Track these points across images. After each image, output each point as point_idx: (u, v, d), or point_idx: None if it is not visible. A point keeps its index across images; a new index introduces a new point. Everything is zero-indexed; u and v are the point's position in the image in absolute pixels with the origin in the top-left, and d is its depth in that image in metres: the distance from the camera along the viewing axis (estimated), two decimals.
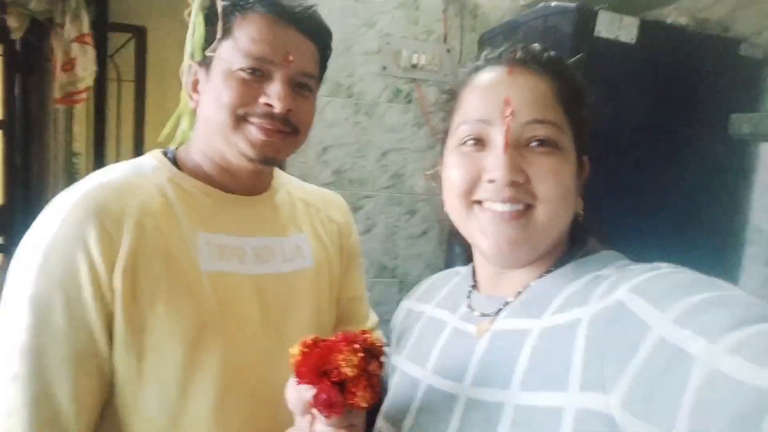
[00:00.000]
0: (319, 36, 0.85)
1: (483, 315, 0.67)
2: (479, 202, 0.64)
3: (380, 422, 0.72)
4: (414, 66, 2.18)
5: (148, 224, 0.76)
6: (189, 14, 0.84)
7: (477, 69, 0.68)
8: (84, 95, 2.33)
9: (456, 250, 2.01)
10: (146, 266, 0.75)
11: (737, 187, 1.65)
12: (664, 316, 0.47)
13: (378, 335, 1.06)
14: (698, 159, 1.59)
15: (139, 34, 3.32)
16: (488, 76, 0.65)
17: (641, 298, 0.50)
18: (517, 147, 0.61)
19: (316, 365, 0.58)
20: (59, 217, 0.74)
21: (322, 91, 2.11)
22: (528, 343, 0.59)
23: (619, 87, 1.40)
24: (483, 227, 0.63)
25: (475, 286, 0.73)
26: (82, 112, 3.19)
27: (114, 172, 0.81)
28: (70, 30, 2.18)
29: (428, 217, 2.33)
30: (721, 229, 1.67)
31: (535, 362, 0.57)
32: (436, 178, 0.72)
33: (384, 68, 2.17)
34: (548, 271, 0.65)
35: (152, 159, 0.86)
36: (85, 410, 0.73)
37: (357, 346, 0.58)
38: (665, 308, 0.47)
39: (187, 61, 0.86)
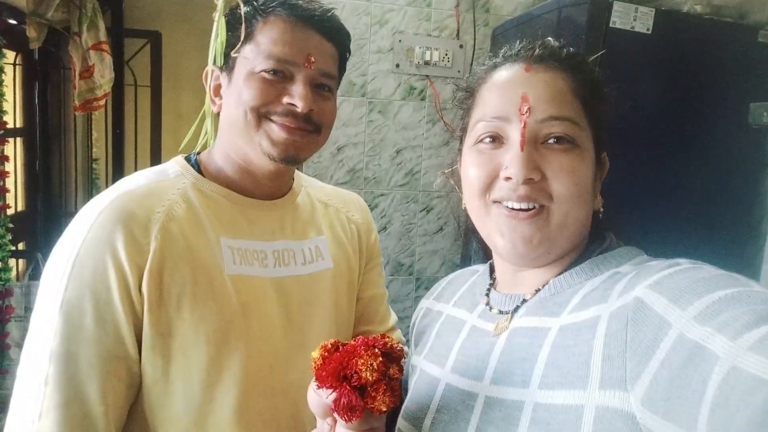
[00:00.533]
0: (338, 38, 0.87)
1: (501, 313, 0.67)
2: (497, 202, 0.63)
3: (400, 422, 0.72)
4: (427, 63, 2.17)
5: (173, 230, 0.78)
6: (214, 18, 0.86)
7: (495, 66, 0.68)
8: (102, 101, 2.36)
9: (473, 245, 2.01)
10: (172, 271, 0.76)
11: (755, 176, 1.63)
12: (684, 314, 0.46)
13: (398, 335, 1.06)
14: (716, 149, 1.57)
15: (154, 39, 3.36)
16: (505, 73, 0.65)
17: (661, 295, 0.50)
18: (534, 144, 0.61)
19: (335, 369, 0.58)
20: (88, 225, 0.76)
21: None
22: (547, 341, 0.59)
23: (635, 78, 1.39)
24: (500, 226, 0.63)
25: (493, 284, 0.73)
26: (100, 117, 3.24)
27: (139, 179, 0.83)
28: (87, 38, 2.21)
29: (444, 214, 2.33)
30: (740, 219, 1.65)
31: (554, 360, 0.57)
32: (455, 176, 0.72)
33: (397, 66, 2.17)
34: (567, 269, 0.64)
35: (175, 165, 0.87)
36: (114, 411, 0.74)
37: (377, 350, 0.58)
38: (685, 305, 0.47)
39: (210, 66, 0.87)
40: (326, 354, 0.60)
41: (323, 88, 0.84)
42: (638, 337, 0.49)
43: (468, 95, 0.71)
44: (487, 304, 0.70)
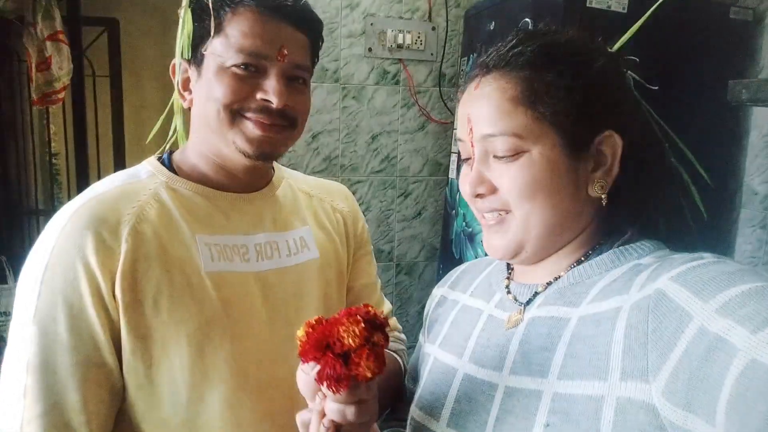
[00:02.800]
0: (311, 27, 0.84)
1: (518, 302, 0.67)
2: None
3: (414, 411, 0.72)
4: (399, 46, 2.14)
5: (145, 231, 0.77)
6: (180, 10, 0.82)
7: (463, 84, 0.71)
8: (62, 94, 2.26)
9: (453, 229, 2.01)
10: (146, 273, 0.75)
11: (730, 150, 1.67)
12: (705, 306, 0.47)
13: (393, 322, 1.06)
14: (691, 124, 1.59)
15: (111, 27, 3.22)
16: (463, 95, 0.68)
17: (683, 287, 0.50)
18: (484, 160, 0.64)
19: (318, 341, 0.58)
20: (57, 231, 0.75)
21: None
22: (566, 331, 0.59)
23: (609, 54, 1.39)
24: (483, 233, 0.69)
25: (510, 275, 0.73)
26: (57, 111, 3.10)
27: (110, 182, 0.82)
28: (42, 28, 2.10)
29: (421, 198, 2.32)
30: (716, 192, 1.69)
31: (573, 350, 0.57)
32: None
33: (369, 50, 2.13)
34: (583, 259, 0.65)
35: (147, 166, 0.86)
36: (97, 419, 0.74)
37: (358, 317, 0.58)
38: (707, 298, 0.47)
39: (177, 59, 0.84)
40: (310, 330, 0.59)
41: (297, 80, 0.82)
42: (660, 328, 0.49)
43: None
44: (506, 293, 0.70)
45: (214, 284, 0.79)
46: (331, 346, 0.57)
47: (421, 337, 0.86)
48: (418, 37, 2.16)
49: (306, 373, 0.62)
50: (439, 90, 2.23)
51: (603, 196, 0.63)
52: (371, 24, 2.12)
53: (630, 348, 0.52)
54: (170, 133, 0.92)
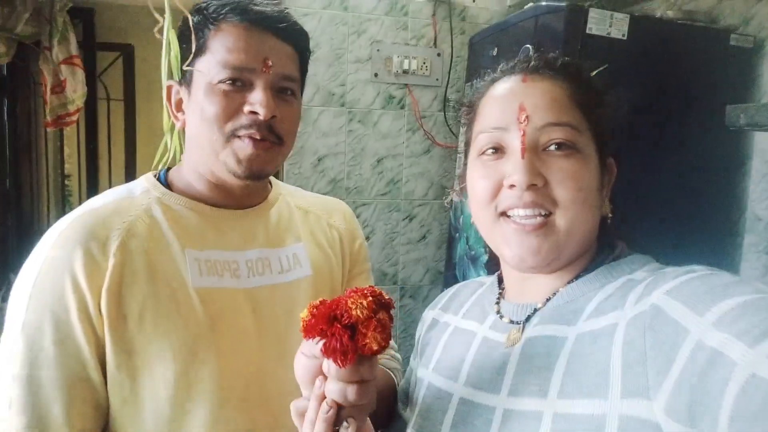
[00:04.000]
0: (295, 38, 0.84)
1: (513, 323, 0.66)
2: (504, 214, 0.64)
3: None
4: (405, 71, 2.18)
5: (133, 246, 0.77)
6: (159, 31, 0.83)
7: (494, 80, 0.69)
8: (75, 117, 2.31)
9: (457, 253, 2.01)
10: (131, 288, 0.76)
11: (733, 176, 1.67)
12: (702, 320, 0.46)
13: (391, 342, 1.05)
14: (694, 150, 1.59)
15: (127, 52, 3.31)
16: (503, 85, 0.67)
17: (678, 301, 0.50)
18: (535, 151, 0.62)
19: (325, 314, 0.57)
20: (49, 245, 0.76)
21: (315, 101, 2.12)
22: (564, 350, 0.58)
23: (612, 83, 1.41)
24: (507, 238, 0.63)
25: (502, 295, 0.73)
26: (72, 133, 3.17)
27: (104, 197, 0.83)
28: (58, 52, 2.17)
29: (426, 222, 2.33)
30: (720, 219, 1.68)
31: (572, 369, 0.56)
32: (464, 191, 0.72)
33: (375, 75, 2.17)
34: (578, 276, 0.64)
35: (143, 182, 0.87)
36: None
37: (366, 293, 0.58)
38: (703, 312, 0.47)
39: (166, 81, 0.85)
40: (315, 307, 0.59)
41: (285, 91, 0.82)
42: (657, 344, 0.49)
43: (470, 110, 0.73)
44: (499, 314, 0.69)
45: (201, 300, 0.79)
46: (339, 318, 0.57)
47: (412, 361, 0.85)
48: (424, 63, 2.19)
49: (306, 356, 0.61)
50: (444, 114, 2.26)
51: (610, 214, 0.64)
52: (377, 50, 2.16)
53: (629, 365, 0.51)
54: (158, 151, 0.92)
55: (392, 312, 0.60)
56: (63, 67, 2.21)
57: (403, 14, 2.17)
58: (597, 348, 0.55)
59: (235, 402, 0.80)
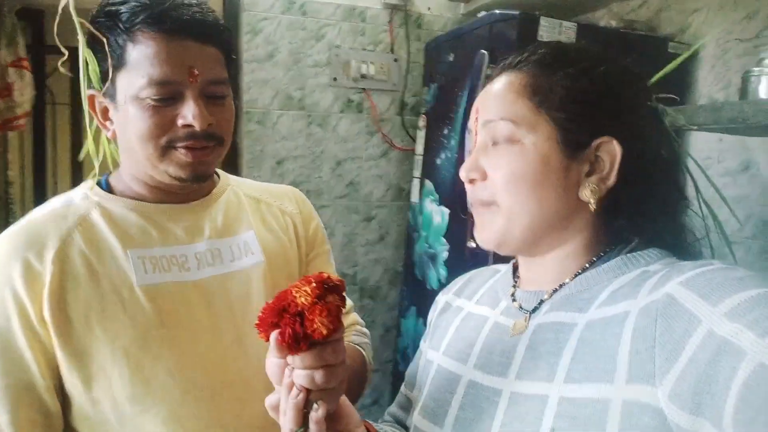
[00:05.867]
0: (218, 38, 0.81)
1: (524, 309, 0.68)
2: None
3: (417, 419, 0.72)
4: (363, 76, 2.22)
5: (72, 252, 0.78)
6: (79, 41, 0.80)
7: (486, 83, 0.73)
8: (23, 121, 2.24)
9: (415, 252, 2.06)
10: (74, 291, 0.77)
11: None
12: (714, 310, 0.47)
13: (353, 317, 1.06)
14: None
15: (75, 56, 3.22)
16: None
17: (692, 291, 0.50)
18: (484, 148, 0.66)
19: (274, 307, 0.59)
20: None
21: (275, 105, 2.13)
22: (573, 335, 0.59)
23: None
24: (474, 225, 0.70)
25: (516, 284, 0.73)
26: (15, 138, 3.05)
27: (44, 207, 0.84)
28: (5, 55, 2.10)
29: (385, 223, 2.37)
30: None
31: (580, 354, 0.57)
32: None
33: (334, 79, 2.20)
34: (588, 266, 0.64)
35: (83, 188, 0.87)
36: None
37: (310, 279, 0.59)
38: (716, 302, 0.47)
39: (88, 91, 0.81)
40: (265, 306, 0.61)
41: (216, 95, 0.81)
42: (667, 332, 0.49)
43: None
44: (512, 300, 0.70)
45: (148, 296, 0.80)
46: (287, 308, 0.58)
47: (422, 344, 0.85)
48: (381, 68, 2.24)
49: (270, 353, 0.61)
50: (401, 118, 2.31)
51: (591, 201, 0.62)
52: (336, 55, 2.19)
53: (637, 351, 0.51)
54: (82, 153, 0.88)
55: (344, 293, 0.61)
56: (10, 69, 2.14)
57: (360, 20, 2.22)
58: (607, 334, 0.55)
59: (196, 393, 0.81)
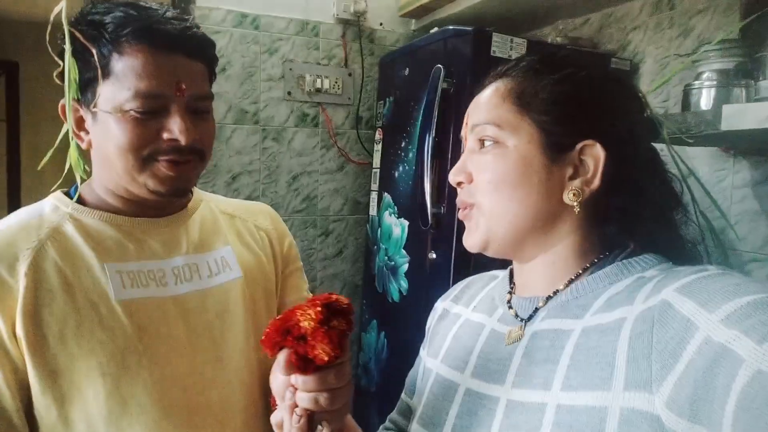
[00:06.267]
0: (205, 54, 0.81)
1: (520, 317, 0.68)
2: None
3: (416, 428, 0.72)
4: (318, 90, 2.22)
5: (46, 265, 0.75)
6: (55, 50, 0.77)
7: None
8: None
9: (375, 265, 2.06)
10: (49, 307, 0.73)
11: None
12: (711, 317, 0.47)
13: None
14: None
15: (10, 70, 3.07)
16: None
17: (688, 298, 0.50)
18: (472, 153, 0.69)
19: (279, 326, 0.58)
20: None
21: (228, 119, 2.10)
22: (569, 342, 0.59)
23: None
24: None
25: (512, 290, 0.74)
26: None
27: (11, 218, 0.80)
28: None
29: (342, 237, 2.37)
30: None
31: (576, 362, 0.57)
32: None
33: (289, 93, 2.19)
34: (581, 272, 0.65)
35: (52, 199, 0.84)
36: None
37: (317, 302, 0.58)
38: (713, 309, 0.47)
39: (68, 101, 0.78)
40: (273, 321, 0.60)
41: (200, 110, 0.81)
42: (664, 339, 0.49)
43: None
44: (508, 307, 0.71)
45: (126, 312, 0.77)
46: (291, 330, 0.57)
47: (422, 351, 0.85)
48: (336, 82, 2.25)
49: (274, 370, 0.61)
50: (357, 132, 2.33)
51: (575, 204, 0.63)
52: (290, 69, 2.19)
53: (634, 358, 0.51)
54: (76, 172, 0.84)
55: (352, 317, 0.60)
56: None
57: (313, 35, 2.22)
58: (603, 341, 0.55)
59: (175, 411, 0.78)
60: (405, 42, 2.34)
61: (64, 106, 0.79)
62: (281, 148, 2.22)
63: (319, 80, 2.21)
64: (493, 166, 0.65)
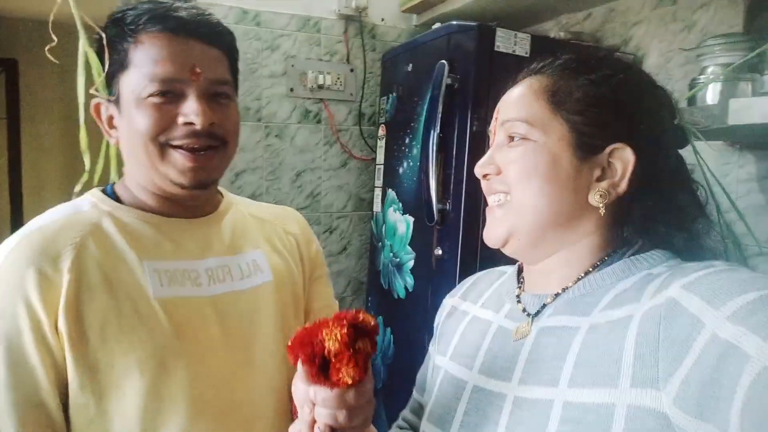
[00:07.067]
0: (221, 39, 0.82)
1: (528, 313, 0.68)
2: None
3: (426, 425, 0.72)
4: (320, 86, 2.22)
5: (88, 262, 0.75)
6: (51, 51, 0.78)
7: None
8: None
9: (380, 261, 2.06)
10: (90, 303, 0.74)
11: None
12: (718, 314, 0.47)
13: None
14: None
15: (10, 68, 3.06)
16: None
17: (695, 295, 0.50)
18: (501, 146, 0.69)
19: (305, 339, 0.57)
20: None
21: None
22: (576, 339, 0.59)
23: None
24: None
25: (521, 286, 0.74)
26: None
27: (51, 214, 0.80)
28: None
29: (346, 233, 2.37)
30: None
31: (583, 359, 0.57)
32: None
33: (291, 90, 2.19)
34: (591, 270, 0.65)
35: (90, 197, 0.84)
36: None
37: (344, 322, 0.57)
38: (719, 305, 0.47)
39: (80, 99, 0.80)
40: (299, 330, 0.59)
41: (219, 96, 0.81)
42: (671, 336, 0.50)
43: None
44: (517, 303, 0.71)
45: (164, 310, 0.78)
46: (315, 347, 0.57)
47: (431, 348, 0.85)
48: (338, 79, 2.25)
49: (296, 379, 0.61)
50: (359, 128, 2.33)
51: (601, 206, 0.63)
52: (292, 65, 2.18)
53: (641, 355, 0.52)
54: (113, 170, 0.89)
55: (376, 338, 0.60)
56: None
57: (315, 31, 2.22)
58: (610, 338, 0.56)
59: (208, 410, 0.79)
60: (407, 38, 2.34)
61: (97, 106, 0.82)
62: (284, 145, 2.22)
63: (321, 76, 2.21)
64: (523, 159, 0.65)
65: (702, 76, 1.28)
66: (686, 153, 0.71)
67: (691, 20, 1.64)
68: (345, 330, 0.56)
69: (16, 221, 3.18)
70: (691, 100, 1.29)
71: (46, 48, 0.77)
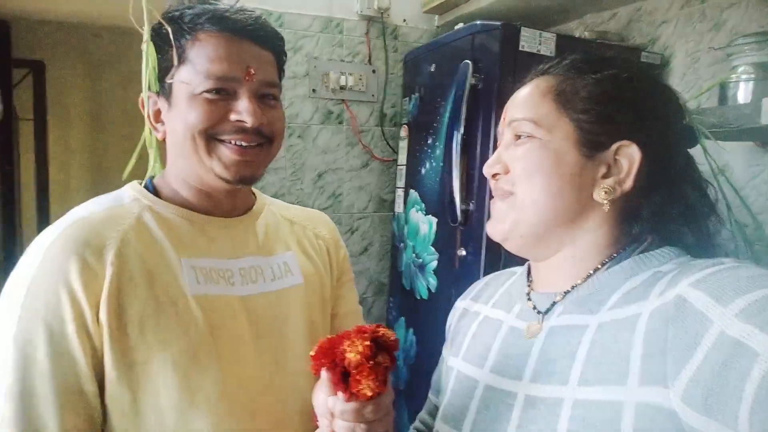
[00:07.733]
0: (274, 43, 0.85)
1: (538, 312, 0.69)
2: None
3: (439, 425, 0.73)
4: (342, 87, 2.22)
5: (130, 254, 0.76)
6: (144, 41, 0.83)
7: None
8: None
9: (402, 262, 2.06)
10: (131, 296, 0.75)
11: None
12: (725, 311, 0.47)
13: None
14: None
15: (37, 69, 3.12)
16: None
17: (703, 292, 0.50)
18: (508, 146, 0.70)
19: (327, 350, 0.59)
20: (40, 255, 0.73)
21: None
22: (585, 338, 0.59)
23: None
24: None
25: (531, 286, 0.75)
26: None
27: (93, 205, 0.81)
28: None
29: (368, 234, 2.37)
30: None
31: (593, 357, 0.57)
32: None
33: (313, 91, 2.20)
34: (600, 267, 0.65)
35: (130, 190, 0.86)
36: None
37: (366, 335, 0.58)
38: (727, 303, 0.47)
39: (144, 93, 0.84)
40: (323, 341, 0.61)
41: (268, 97, 0.83)
42: (679, 334, 0.50)
43: None
44: (528, 302, 0.72)
45: (200, 307, 0.79)
46: (336, 358, 0.58)
47: (444, 351, 0.86)
48: (360, 79, 2.25)
49: (317, 390, 0.62)
50: (381, 129, 2.33)
51: (605, 202, 0.63)
52: (314, 66, 2.19)
53: (650, 353, 0.52)
54: (149, 168, 0.91)
55: (395, 353, 0.61)
56: None
57: (338, 32, 2.23)
58: (619, 336, 0.56)
59: (238, 409, 0.80)
60: (429, 38, 2.33)
61: (143, 99, 0.85)
62: (306, 145, 2.23)
63: (343, 77, 2.22)
64: (527, 156, 0.66)
65: (733, 75, 1.26)
66: (696, 153, 0.71)
67: (721, 19, 1.62)
68: (367, 343, 0.58)
69: (43, 219, 3.24)
70: (722, 99, 1.27)
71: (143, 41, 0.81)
